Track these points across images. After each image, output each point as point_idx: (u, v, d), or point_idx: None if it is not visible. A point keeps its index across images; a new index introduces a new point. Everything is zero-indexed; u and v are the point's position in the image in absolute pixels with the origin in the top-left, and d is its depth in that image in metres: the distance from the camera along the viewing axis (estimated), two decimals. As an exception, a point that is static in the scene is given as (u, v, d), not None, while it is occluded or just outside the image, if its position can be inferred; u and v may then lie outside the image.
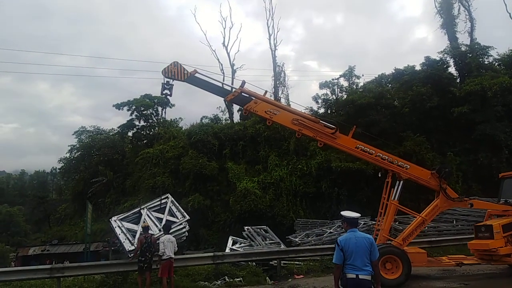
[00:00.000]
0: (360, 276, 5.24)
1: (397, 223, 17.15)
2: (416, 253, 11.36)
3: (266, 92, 12.00)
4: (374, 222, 14.34)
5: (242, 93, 11.66)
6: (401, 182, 11.40)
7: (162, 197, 15.18)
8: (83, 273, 12.18)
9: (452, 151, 25.50)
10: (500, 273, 11.72)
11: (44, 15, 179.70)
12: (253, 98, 11.52)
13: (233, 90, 11.97)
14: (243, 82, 11.90)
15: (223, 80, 34.63)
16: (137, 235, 12.60)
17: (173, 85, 11.84)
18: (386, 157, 11.49)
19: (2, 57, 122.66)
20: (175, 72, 11.52)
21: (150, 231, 11.81)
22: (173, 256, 10.86)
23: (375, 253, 5.42)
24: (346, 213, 5.74)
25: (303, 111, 13.43)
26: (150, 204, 15.05)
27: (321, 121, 11.73)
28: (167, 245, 10.73)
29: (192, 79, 11.66)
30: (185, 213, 14.88)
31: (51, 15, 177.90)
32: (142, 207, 14.57)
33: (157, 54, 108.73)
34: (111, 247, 29.87)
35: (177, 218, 14.27)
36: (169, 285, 10.95)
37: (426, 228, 16.81)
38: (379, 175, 12.25)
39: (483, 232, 11.08)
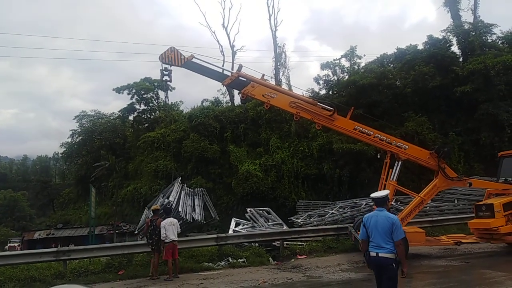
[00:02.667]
0: (380, 254, 5.32)
1: (398, 203, 17.24)
2: (414, 233, 11.41)
3: (263, 75, 11.93)
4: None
5: (239, 77, 11.57)
6: (400, 162, 11.42)
7: (173, 182, 15.33)
8: (89, 255, 12.33)
9: (454, 131, 25.44)
10: (500, 251, 11.83)
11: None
12: (251, 81, 11.44)
13: (231, 74, 11.86)
14: (240, 66, 11.81)
15: (223, 62, 34.57)
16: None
17: (171, 70, 11.78)
18: (385, 138, 11.48)
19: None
20: (172, 58, 11.43)
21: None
22: (175, 239, 10.97)
23: (397, 233, 5.32)
24: (373, 194, 5.92)
25: (304, 92, 13.37)
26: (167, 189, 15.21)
27: (318, 103, 11.67)
28: (169, 229, 10.87)
29: (189, 64, 11.56)
30: (173, 197, 14.94)
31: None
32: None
33: (156, 35, 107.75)
34: (115, 230, 30.32)
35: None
36: (174, 266, 11.13)
37: (428, 207, 16.92)
38: (378, 156, 12.27)
39: (483, 211, 11.08)
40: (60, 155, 61.27)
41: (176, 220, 11.47)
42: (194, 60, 11.61)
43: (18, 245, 34.62)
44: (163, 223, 11.06)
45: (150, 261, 11.57)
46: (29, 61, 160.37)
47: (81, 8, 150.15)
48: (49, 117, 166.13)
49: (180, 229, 11.61)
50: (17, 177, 78.22)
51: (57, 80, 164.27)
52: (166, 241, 10.79)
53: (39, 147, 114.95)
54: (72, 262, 12.30)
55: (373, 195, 5.90)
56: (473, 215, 11.90)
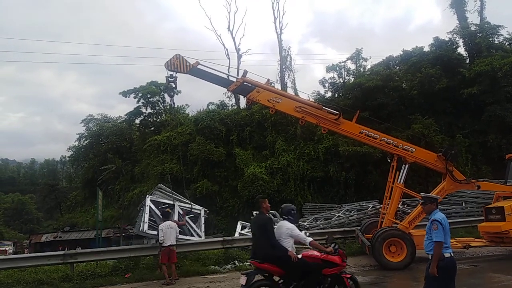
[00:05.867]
0: (452, 254, 5.39)
1: (405, 206, 17.11)
2: (421, 236, 11.29)
3: (268, 80, 11.94)
4: (381, 206, 14.35)
5: (245, 83, 11.58)
6: (407, 165, 11.31)
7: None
8: (96, 258, 12.37)
9: (461, 133, 25.27)
10: (509, 255, 11.69)
11: (46, 3, 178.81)
12: (256, 87, 11.45)
13: (236, 80, 11.89)
14: (245, 72, 11.83)
15: (229, 66, 34.67)
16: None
17: (177, 77, 11.87)
18: (391, 141, 11.38)
19: (4, 46, 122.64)
20: (177, 65, 11.49)
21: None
22: (174, 243, 10.90)
23: None
24: (429, 195, 5.95)
25: (309, 95, 13.37)
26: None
27: (324, 107, 11.63)
28: (166, 232, 10.75)
29: (194, 71, 11.62)
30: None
31: (52, 2, 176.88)
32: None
33: (161, 39, 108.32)
34: (122, 233, 30.44)
35: None
36: (170, 271, 11.00)
37: (435, 210, 16.74)
38: (389, 160, 12.14)
39: (494, 214, 10.91)
40: (67, 159, 61.90)
41: (174, 224, 11.29)
42: (199, 66, 11.65)
43: (9, 249, 34.33)
44: (160, 226, 10.92)
45: (158, 264, 11.56)
46: (35, 65, 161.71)
47: (86, 13, 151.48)
48: (55, 121, 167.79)
49: (178, 232, 11.54)
50: (25, 180, 79.04)
51: (62, 84, 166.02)
52: (164, 245, 10.72)
53: (46, 151, 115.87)
54: (79, 265, 12.35)
55: (431, 195, 6.00)
56: (482, 218, 11.76)
